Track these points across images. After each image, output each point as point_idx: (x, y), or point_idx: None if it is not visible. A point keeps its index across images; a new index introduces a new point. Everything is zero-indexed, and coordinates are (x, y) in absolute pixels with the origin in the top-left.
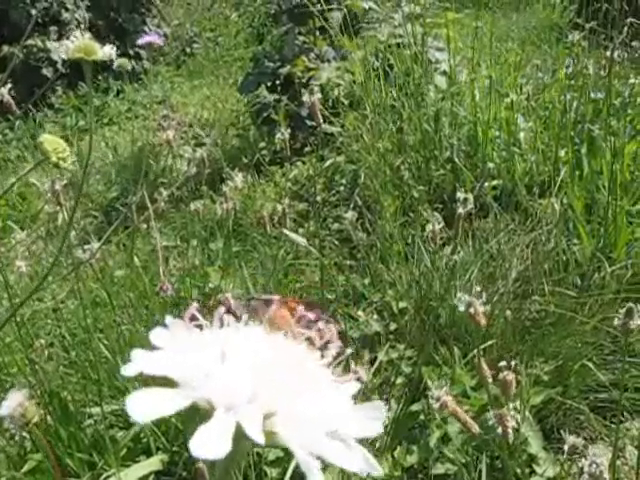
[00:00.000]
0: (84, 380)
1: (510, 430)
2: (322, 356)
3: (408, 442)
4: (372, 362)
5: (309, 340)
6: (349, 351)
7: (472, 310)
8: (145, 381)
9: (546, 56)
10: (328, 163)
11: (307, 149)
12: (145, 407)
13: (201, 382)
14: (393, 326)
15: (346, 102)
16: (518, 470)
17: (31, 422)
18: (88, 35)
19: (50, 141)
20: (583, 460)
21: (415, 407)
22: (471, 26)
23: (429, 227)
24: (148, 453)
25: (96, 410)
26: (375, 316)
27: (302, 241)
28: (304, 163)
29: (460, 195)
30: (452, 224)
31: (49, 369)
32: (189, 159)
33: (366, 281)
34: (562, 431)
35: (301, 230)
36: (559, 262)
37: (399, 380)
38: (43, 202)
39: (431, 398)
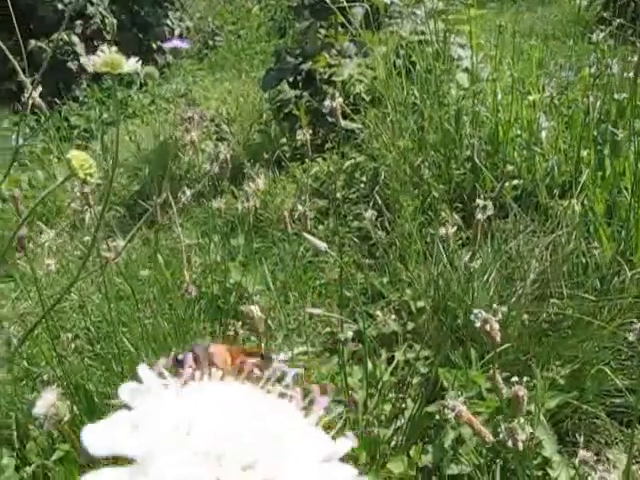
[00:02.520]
0: (108, 373)
1: (520, 443)
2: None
3: (423, 442)
4: (389, 361)
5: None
6: (339, 410)
7: (487, 327)
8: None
9: (570, 52)
10: (347, 164)
11: (328, 145)
12: None
13: (154, 465)
14: (411, 326)
15: (367, 99)
16: (532, 473)
17: (63, 420)
18: (114, 49)
19: (77, 158)
20: (593, 474)
21: (431, 408)
22: (494, 22)
23: (442, 230)
24: None
25: (119, 402)
26: (393, 315)
27: (322, 245)
28: (325, 159)
29: (479, 202)
30: (472, 223)
31: (74, 361)
32: (212, 158)
33: (385, 280)
34: (577, 435)
35: (321, 227)
36: (578, 265)
37: (415, 380)
38: (69, 197)
39: (446, 408)
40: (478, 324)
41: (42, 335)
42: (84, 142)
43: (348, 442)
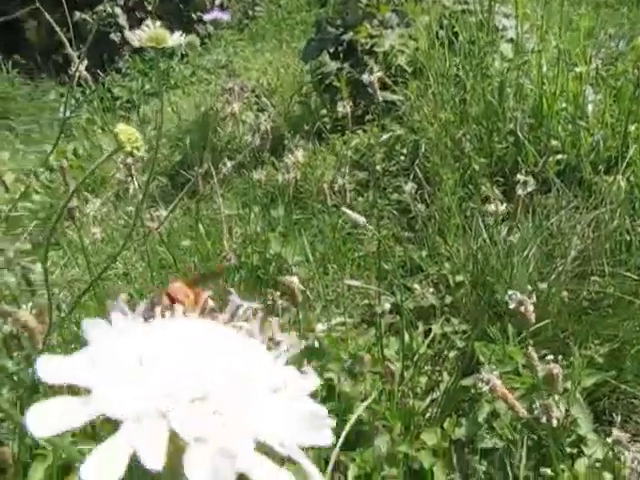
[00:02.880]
0: None
1: (554, 420)
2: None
3: (458, 415)
4: (426, 334)
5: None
6: (302, 346)
7: (522, 309)
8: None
9: (623, 20)
10: (388, 136)
11: (368, 117)
12: (44, 421)
13: (106, 392)
14: (448, 299)
15: (409, 70)
16: (568, 449)
17: None
18: (159, 23)
19: (125, 131)
20: (626, 453)
21: (466, 381)
22: None
23: (491, 207)
24: None
25: None
26: (431, 289)
27: (360, 219)
28: (365, 132)
29: (520, 177)
30: (512, 198)
31: None
32: (253, 130)
33: (423, 253)
34: (614, 414)
35: (360, 199)
36: (622, 243)
37: (452, 353)
38: (113, 167)
39: (481, 381)
40: (513, 305)
41: (89, 302)
42: (126, 113)
43: (314, 379)
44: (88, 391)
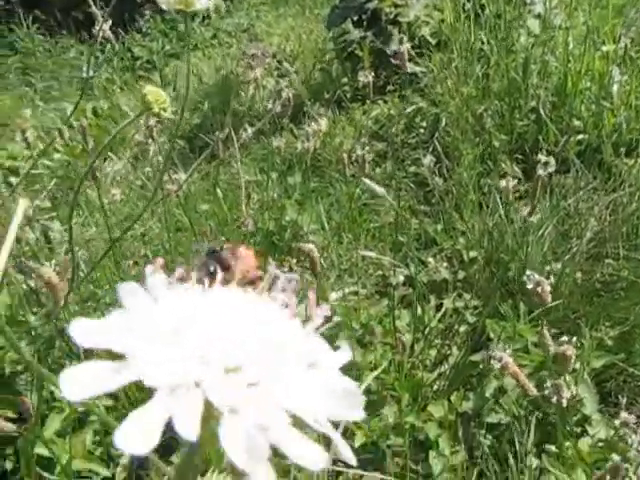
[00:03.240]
0: None
1: (564, 400)
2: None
3: (465, 389)
4: (438, 308)
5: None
6: (337, 319)
7: (539, 289)
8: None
9: None
10: (410, 109)
11: (390, 88)
12: (78, 385)
13: (141, 359)
14: (461, 275)
15: (433, 42)
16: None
17: None
18: None
19: (152, 93)
20: (633, 436)
21: (475, 357)
22: None
23: (503, 183)
24: None
25: None
26: (444, 263)
27: (380, 190)
28: (385, 102)
29: (542, 157)
30: (531, 176)
31: None
32: (273, 97)
33: (439, 227)
34: (620, 396)
35: (378, 170)
36: (638, 227)
37: (462, 328)
38: (133, 127)
39: (493, 359)
40: (530, 286)
41: (106, 261)
42: (146, 73)
43: (347, 353)
44: (122, 355)
